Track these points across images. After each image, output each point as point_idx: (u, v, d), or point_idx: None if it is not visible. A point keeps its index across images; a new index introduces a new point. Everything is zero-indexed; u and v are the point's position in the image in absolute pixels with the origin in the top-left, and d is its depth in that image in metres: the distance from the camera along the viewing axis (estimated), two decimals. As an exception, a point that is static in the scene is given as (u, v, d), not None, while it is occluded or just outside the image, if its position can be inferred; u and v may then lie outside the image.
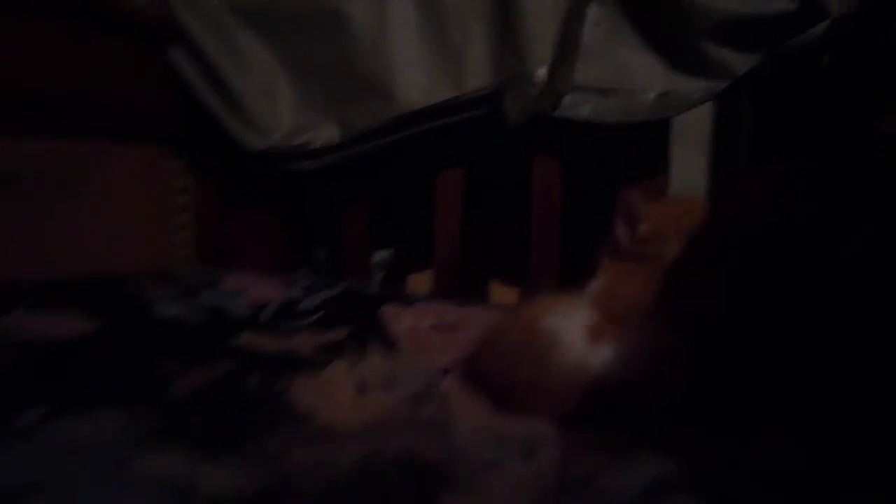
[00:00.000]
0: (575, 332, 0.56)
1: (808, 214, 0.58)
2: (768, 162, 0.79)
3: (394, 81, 0.92)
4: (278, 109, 0.94)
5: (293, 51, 0.93)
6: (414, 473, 0.36)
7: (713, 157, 0.97)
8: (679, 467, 0.38)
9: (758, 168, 0.87)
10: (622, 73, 0.90)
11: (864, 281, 0.51)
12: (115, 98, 0.82)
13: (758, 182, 0.65)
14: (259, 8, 0.92)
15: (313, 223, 1.11)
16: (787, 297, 0.57)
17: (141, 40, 0.88)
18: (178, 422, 0.43)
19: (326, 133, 0.95)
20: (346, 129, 0.95)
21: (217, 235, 1.02)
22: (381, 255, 1.11)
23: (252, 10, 0.92)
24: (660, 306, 0.57)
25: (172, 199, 0.97)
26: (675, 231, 0.62)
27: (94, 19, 0.77)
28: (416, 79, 0.92)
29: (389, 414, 0.53)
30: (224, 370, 0.57)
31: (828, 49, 0.78)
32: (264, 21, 0.92)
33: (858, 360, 0.49)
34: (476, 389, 0.60)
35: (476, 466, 0.40)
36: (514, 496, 0.35)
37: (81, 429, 0.40)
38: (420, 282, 1.11)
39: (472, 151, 1.01)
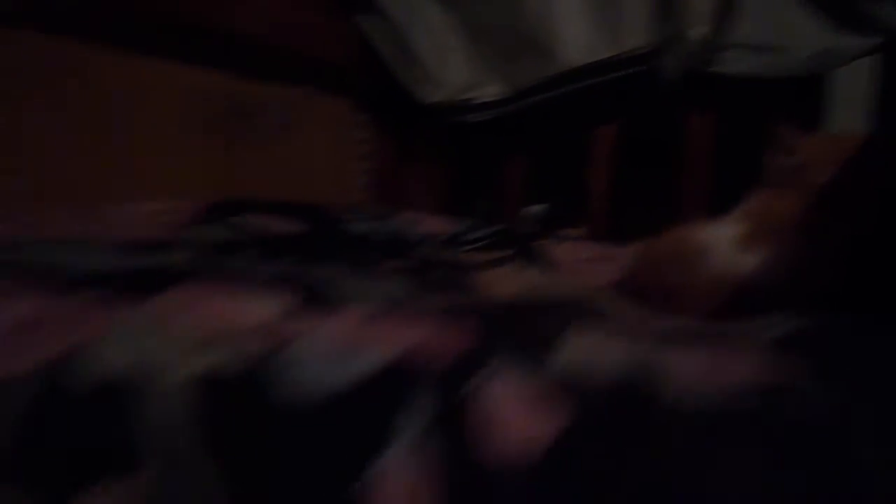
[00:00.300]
0: (725, 241, 0.62)
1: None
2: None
3: (556, 40, 1.00)
4: (451, 66, 1.05)
5: (467, 12, 1.03)
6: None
7: (871, 114, 0.97)
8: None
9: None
10: (780, 29, 0.93)
11: None
12: (319, 54, 0.97)
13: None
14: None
15: (474, 175, 1.21)
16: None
17: (340, 6, 1.02)
18: (391, 276, 0.54)
19: (492, 89, 1.05)
20: (510, 86, 1.05)
21: (390, 183, 1.15)
22: (535, 210, 1.20)
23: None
24: (808, 223, 0.62)
25: (355, 148, 1.10)
26: (828, 161, 0.66)
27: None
28: (577, 38, 1.00)
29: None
30: (411, 265, 0.68)
31: None
32: (443, -15, 1.03)
33: None
34: (630, 299, 0.66)
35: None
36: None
37: (323, 270, 0.52)
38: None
39: (626, 108, 1.07)
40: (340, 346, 0.23)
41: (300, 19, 0.92)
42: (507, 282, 0.66)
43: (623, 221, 1.11)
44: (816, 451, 0.19)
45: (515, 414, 0.20)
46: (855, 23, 0.88)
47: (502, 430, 0.19)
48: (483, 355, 0.22)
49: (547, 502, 0.18)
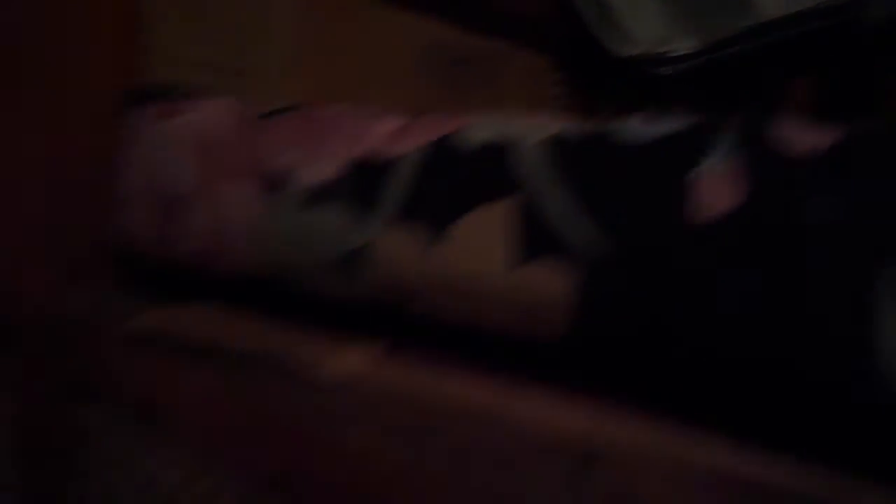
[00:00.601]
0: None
1: None
2: None
3: (754, -7, 1.04)
4: (645, 22, 1.11)
5: (665, -30, 1.09)
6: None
7: None
8: None
9: None
10: None
11: None
12: (522, 9, 1.07)
13: None
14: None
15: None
16: None
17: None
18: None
19: (686, 43, 1.10)
20: (704, 39, 1.09)
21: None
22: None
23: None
24: None
25: (549, 104, 1.20)
26: None
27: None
28: (776, -11, 1.03)
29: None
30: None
31: None
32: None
33: None
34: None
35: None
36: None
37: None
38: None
39: (825, 60, 1.08)
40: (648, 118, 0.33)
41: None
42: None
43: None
44: None
45: (804, 133, 0.28)
46: None
47: (795, 139, 0.27)
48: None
49: (831, 176, 0.26)
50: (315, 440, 0.37)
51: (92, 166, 0.56)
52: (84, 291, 0.55)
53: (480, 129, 0.35)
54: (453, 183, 0.34)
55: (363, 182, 0.38)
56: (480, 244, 0.33)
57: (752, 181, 0.27)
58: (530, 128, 0.34)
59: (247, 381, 0.41)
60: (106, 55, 0.59)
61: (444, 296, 0.35)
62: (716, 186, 0.27)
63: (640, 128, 0.31)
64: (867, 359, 0.24)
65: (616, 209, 0.29)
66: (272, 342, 0.42)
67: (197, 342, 0.45)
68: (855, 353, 0.24)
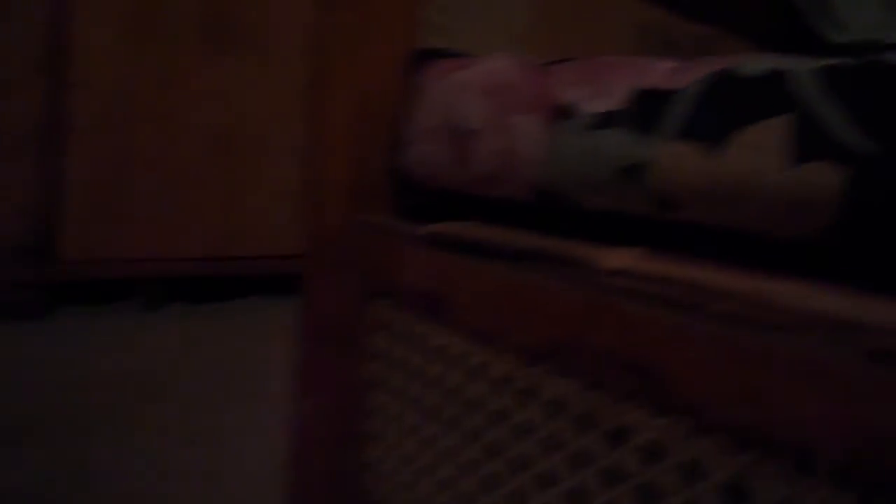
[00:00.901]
0: None
1: None
2: None
3: None
4: (861, 10, 1.11)
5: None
6: None
7: None
8: None
9: None
10: None
11: None
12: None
13: None
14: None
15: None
16: None
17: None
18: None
19: (904, 30, 1.09)
20: (925, 26, 1.08)
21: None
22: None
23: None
24: None
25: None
26: None
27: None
28: None
29: None
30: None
31: None
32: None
33: None
34: None
35: None
36: None
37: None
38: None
39: None
40: None
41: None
42: None
43: None
44: None
45: None
46: None
47: None
48: None
49: None
50: (591, 315, 0.46)
51: (385, 113, 0.69)
52: (376, 212, 0.68)
53: (756, 63, 0.43)
54: (733, 104, 0.42)
55: (645, 109, 0.46)
56: (758, 151, 0.40)
57: None
58: (801, 61, 0.41)
59: (524, 272, 0.51)
60: (395, 27, 0.73)
61: (716, 198, 0.42)
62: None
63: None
64: None
65: (886, 116, 0.36)
66: (549, 243, 0.52)
67: (478, 242, 0.56)
68: None
